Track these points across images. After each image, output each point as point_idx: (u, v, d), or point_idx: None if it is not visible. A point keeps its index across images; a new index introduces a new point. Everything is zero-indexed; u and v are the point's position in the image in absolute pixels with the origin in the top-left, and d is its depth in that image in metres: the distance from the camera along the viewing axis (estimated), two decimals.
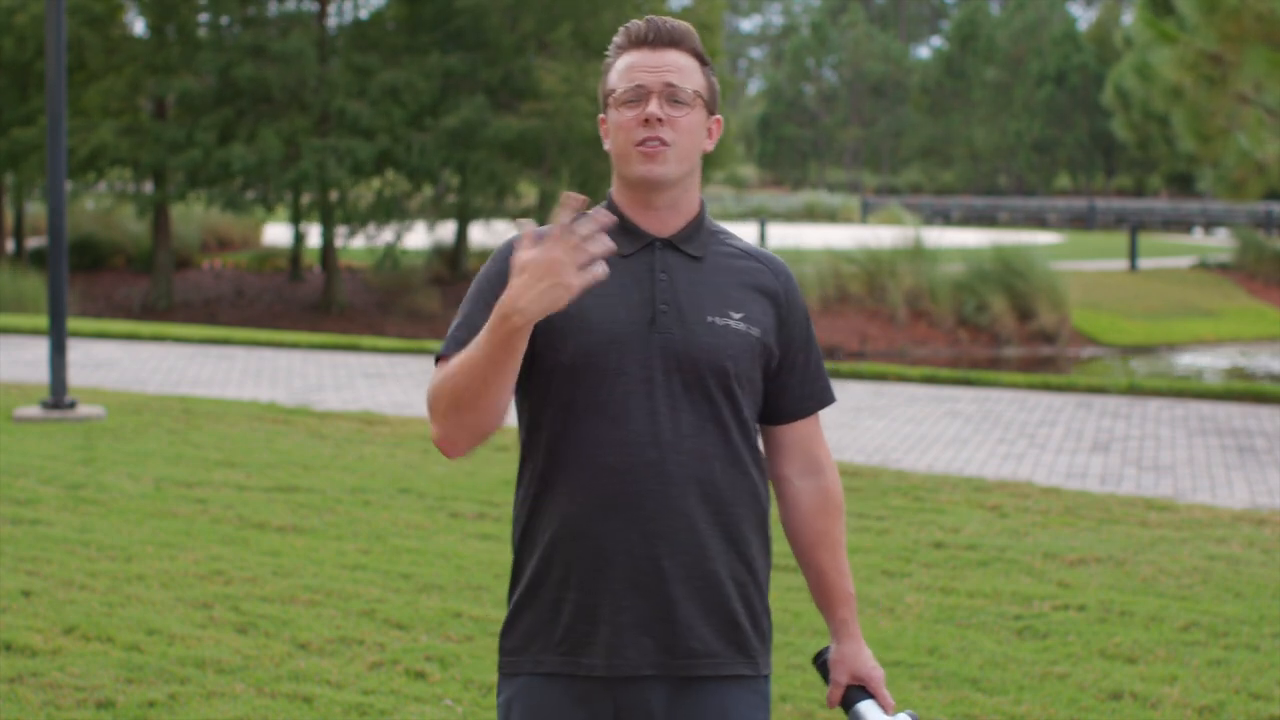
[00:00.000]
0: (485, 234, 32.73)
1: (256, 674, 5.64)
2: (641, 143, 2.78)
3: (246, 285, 31.74)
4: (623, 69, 2.83)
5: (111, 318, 26.77)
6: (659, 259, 2.81)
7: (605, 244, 2.55)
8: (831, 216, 57.77)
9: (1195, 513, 8.67)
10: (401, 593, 6.78)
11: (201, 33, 30.11)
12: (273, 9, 30.62)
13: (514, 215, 29.29)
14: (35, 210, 36.78)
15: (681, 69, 2.82)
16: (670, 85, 2.80)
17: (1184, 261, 36.72)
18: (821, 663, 2.96)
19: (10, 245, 33.88)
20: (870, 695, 2.90)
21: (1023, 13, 77.49)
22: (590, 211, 2.66)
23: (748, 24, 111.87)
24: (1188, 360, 25.19)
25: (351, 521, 8.13)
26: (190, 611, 6.40)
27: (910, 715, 2.84)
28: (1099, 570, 7.30)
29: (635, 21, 2.85)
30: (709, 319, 2.80)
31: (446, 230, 32.88)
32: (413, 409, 12.31)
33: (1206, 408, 13.30)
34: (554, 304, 2.55)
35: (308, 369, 15.17)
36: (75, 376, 13.62)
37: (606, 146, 2.86)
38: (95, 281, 31.38)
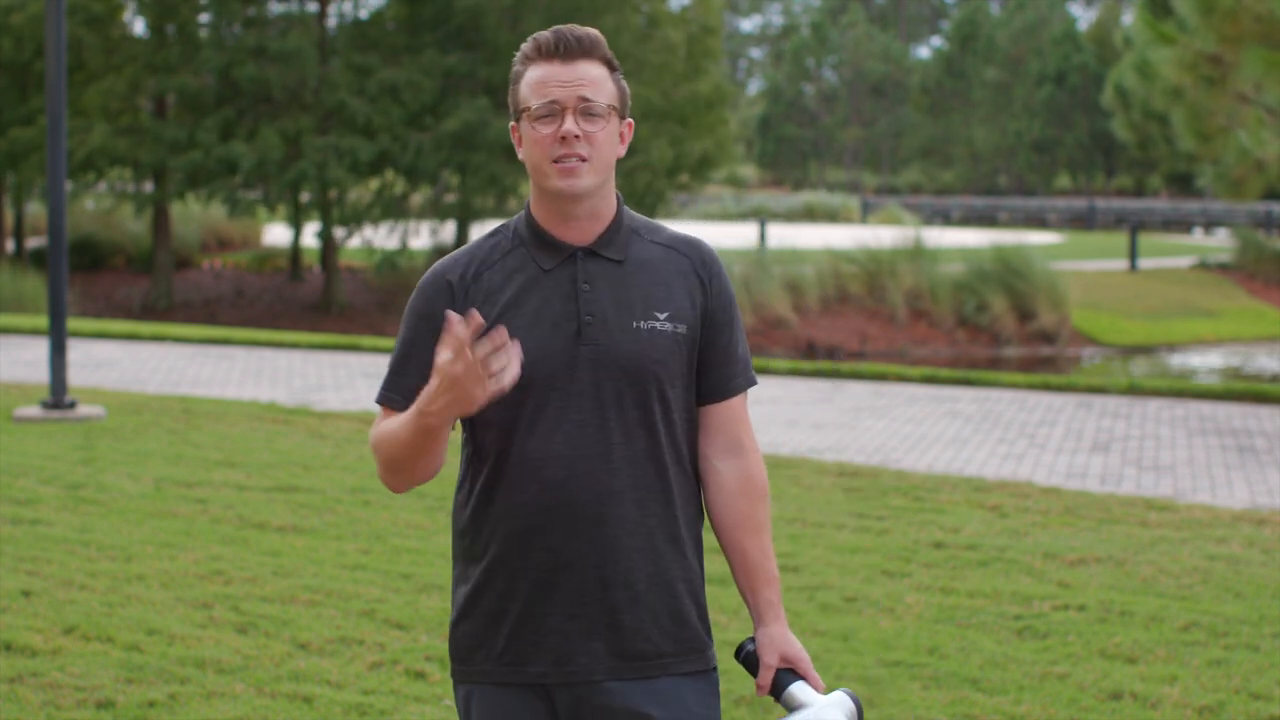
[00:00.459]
0: None
1: (256, 674, 5.64)
2: (559, 159, 2.80)
3: (246, 285, 31.73)
4: (534, 82, 2.82)
5: (111, 318, 26.76)
6: (581, 269, 2.84)
7: (504, 359, 2.61)
8: (831, 217, 57.73)
9: (1195, 513, 8.66)
10: (401, 593, 6.78)
11: (202, 33, 30.10)
12: (273, 9, 30.61)
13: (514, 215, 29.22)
14: (35, 210, 36.74)
15: (594, 81, 2.82)
16: (585, 99, 2.80)
17: (1184, 261, 36.71)
18: (745, 655, 2.92)
19: (10, 245, 33.85)
20: (800, 677, 2.88)
21: (1023, 13, 77.49)
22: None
23: (748, 24, 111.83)
24: (1190, 360, 25.18)
25: (351, 521, 8.13)
26: (190, 611, 6.40)
27: (845, 692, 2.83)
28: (1099, 570, 7.29)
29: (543, 33, 2.84)
30: (635, 324, 2.83)
31: (447, 231, 32.87)
32: None
33: (1206, 408, 13.29)
34: (463, 412, 2.67)
35: (308, 369, 15.17)
36: (75, 376, 13.62)
37: (520, 156, 2.87)
38: (95, 281, 31.37)
